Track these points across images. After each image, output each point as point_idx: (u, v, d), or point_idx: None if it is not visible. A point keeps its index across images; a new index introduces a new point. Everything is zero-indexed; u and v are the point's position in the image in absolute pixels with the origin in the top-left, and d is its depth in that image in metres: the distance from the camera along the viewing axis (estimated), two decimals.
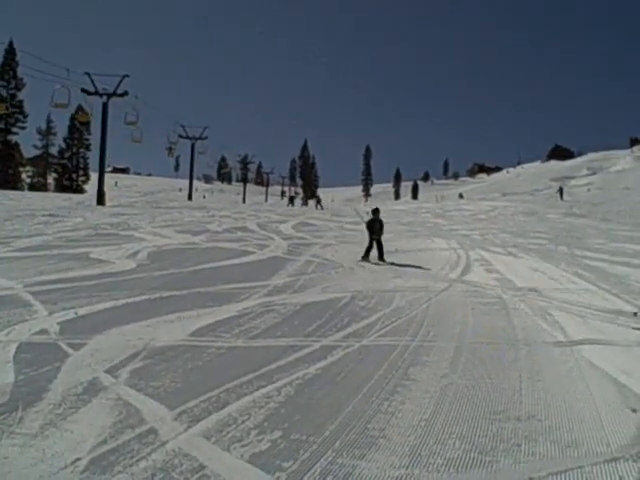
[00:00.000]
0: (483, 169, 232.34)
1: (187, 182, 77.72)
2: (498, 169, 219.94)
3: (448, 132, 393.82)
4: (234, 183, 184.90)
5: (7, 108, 40.60)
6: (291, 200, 72.69)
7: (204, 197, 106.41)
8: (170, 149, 68.77)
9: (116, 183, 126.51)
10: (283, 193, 71.16)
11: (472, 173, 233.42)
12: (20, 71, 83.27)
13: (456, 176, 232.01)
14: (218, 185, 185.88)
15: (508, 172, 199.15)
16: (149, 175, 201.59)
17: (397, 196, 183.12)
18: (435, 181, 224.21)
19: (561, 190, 76.74)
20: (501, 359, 7.32)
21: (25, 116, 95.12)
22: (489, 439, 4.91)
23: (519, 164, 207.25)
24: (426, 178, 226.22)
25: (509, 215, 44.24)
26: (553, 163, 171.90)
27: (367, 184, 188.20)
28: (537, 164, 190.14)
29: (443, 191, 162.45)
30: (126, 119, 48.91)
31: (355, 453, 4.53)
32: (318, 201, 64.05)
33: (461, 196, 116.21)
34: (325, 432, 4.88)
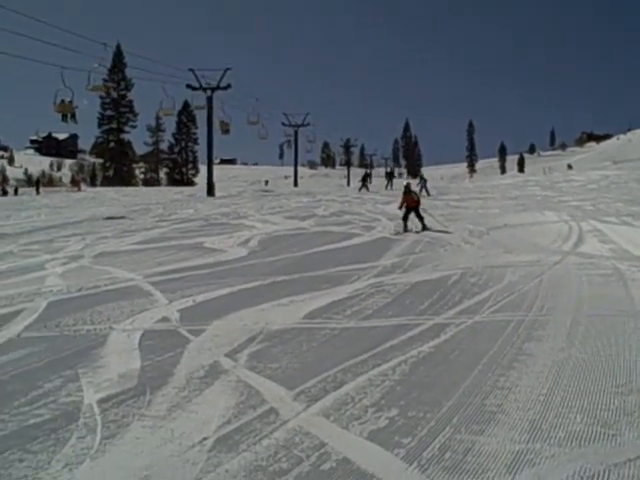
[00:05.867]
0: (592, 137, 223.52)
1: (292, 169, 78.60)
2: (608, 136, 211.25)
3: (553, 101, 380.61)
4: (338, 167, 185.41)
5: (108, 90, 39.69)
6: (390, 178, 50.70)
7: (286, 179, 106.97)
8: (289, 142, 71.96)
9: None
10: (367, 175, 48.90)
11: (580, 142, 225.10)
12: (128, 72, 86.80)
13: (563, 146, 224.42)
14: (322, 170, 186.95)
15: (619, 139, 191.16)
16: (255, 164, 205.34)
17: (503, 170, 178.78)
18: (541, 153, 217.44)
19: None
20: (620, 331, 7.12)
21: (135, 115, 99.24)
22: (612, 412, 4.80)
23: (629, 130, 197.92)
24: (532, 150, 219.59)
25: (622, 183, 42.48)
26: None
27: (472, 160, 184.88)
28: None
29: (550, 163, 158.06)
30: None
31: (473, 429, 4.53)
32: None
33: (570, 167, 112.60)
34: (442, 409, 4.91)
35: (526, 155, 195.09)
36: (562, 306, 8.42)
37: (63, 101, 33.38)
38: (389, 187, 46.35)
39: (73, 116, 34.29)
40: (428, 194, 35.26)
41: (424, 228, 17.39)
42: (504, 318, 7.80)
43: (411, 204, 18.11)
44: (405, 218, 17.78)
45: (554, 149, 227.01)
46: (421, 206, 18.27)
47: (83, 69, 34.52)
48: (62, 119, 34.01)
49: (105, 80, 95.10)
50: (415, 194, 18.91)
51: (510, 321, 7.63)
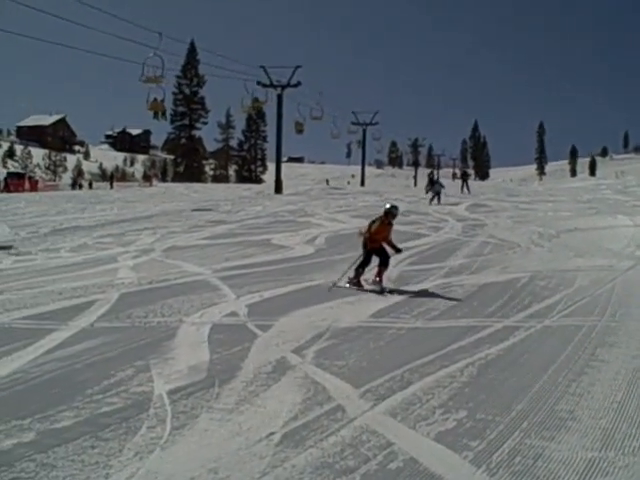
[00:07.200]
0: None
1: (359, 168, 78.58)
2: None
3: (627, 102, 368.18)
4: (405, 167, 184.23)
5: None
6: (465, 179, 41.97)
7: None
8: (358, 142, 73.01)
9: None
10: (431, 177, 41.23)
11: None
12: (201, 69, 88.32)
13: (637, 150, 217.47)
14: (389, 170, 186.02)
15: None
16: (322, 163, 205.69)
17: (573, 173, 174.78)
18: (614, 156, 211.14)
19: None
20: None
21: (207, 112, 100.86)
22: None
23: None
24: (604, 153, 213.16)
25: None
26: None
27: (541, 162, 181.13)
28: None
29: (623, 166, 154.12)
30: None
31: (544, 434, 4.44)
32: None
33: None
34: (511, 412, 4.83)
35: (598, 158, 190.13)
36: (635, 313, 8.21)
37: (155, 99, 34.66)
38: (465, 190, 38.94)
39: (164, 114, 36.10)
40: (469, 191, 37.51)
41: (381, 285, 9.89)
42: (575, 323, 7.65)
43: (379, 241, 10.28)
44: (362, 265, 10.15)
45: (627, 152, 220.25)
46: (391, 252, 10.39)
47: (168, 68, 34.85)
48: (154, 117, 35.36)
49: (178, 76, 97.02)
50: (390, 230, 10.45)
51: (581, 326, 7.48)
